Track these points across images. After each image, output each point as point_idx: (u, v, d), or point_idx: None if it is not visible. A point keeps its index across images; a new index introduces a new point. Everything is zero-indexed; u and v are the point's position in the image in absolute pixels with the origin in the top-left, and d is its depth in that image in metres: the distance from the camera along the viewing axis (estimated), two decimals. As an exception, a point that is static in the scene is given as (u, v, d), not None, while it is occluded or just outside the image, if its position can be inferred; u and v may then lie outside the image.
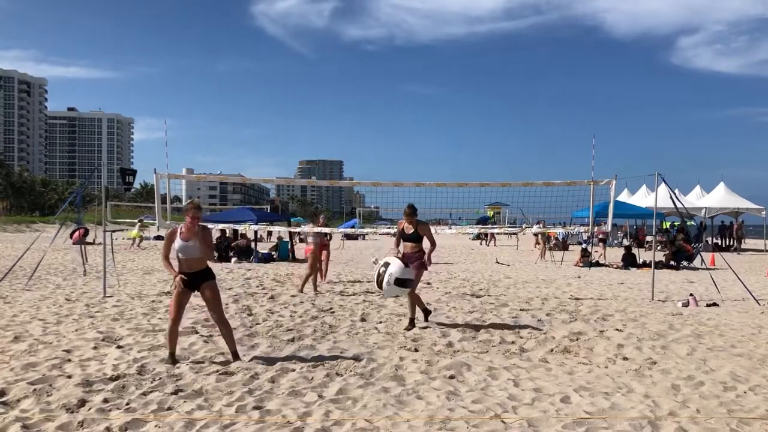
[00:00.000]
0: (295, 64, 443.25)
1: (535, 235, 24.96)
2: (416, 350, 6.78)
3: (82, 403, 4.74)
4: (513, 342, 7.33)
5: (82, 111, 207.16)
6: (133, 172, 12.66)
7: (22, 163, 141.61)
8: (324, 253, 13.09)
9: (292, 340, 7.23)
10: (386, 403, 4.92)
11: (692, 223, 25.82)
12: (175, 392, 5.05)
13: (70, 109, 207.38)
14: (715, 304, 10.69)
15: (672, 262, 19.36)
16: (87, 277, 13.81)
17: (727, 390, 5.38)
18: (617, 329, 8.11)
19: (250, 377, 5.57)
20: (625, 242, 23.71)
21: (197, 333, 7.42)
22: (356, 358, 6.30)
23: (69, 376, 5.38)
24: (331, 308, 9.64)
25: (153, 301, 10.07)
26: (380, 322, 8.48)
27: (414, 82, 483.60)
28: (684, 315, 9.50)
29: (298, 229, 17.96)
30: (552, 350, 6.95)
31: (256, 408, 4.74)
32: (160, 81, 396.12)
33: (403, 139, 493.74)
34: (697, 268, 18.70)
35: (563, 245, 27.98)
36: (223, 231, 21.71)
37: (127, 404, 4.74)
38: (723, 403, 4.98)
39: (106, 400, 4.79)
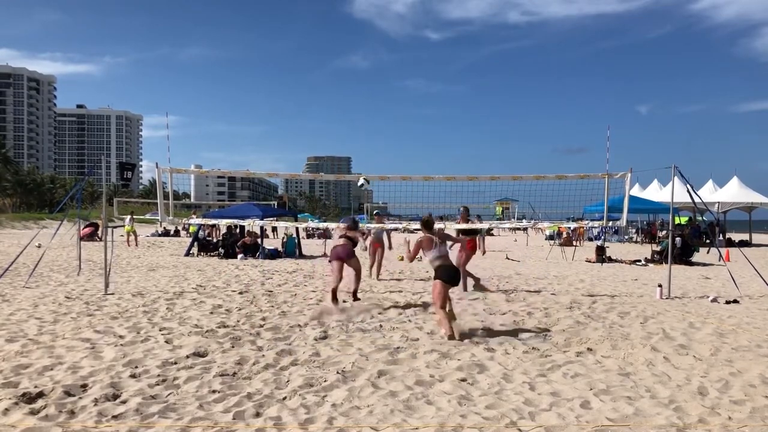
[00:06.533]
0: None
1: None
2: (425, 351, 6.45)
3: (71, 413, 4.46)
4: (526, 342, 6.99)
5: (91, 108, 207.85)
6: (132, 167, 12.41)
7: (32, 160, 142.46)
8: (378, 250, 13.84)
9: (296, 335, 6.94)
10: (394, 408, 4.60)
11: (703, 218, 25.32)
12: (169, 396, 4.77)
13: (79, 106, 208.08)
14: (735, 301, 10.31)
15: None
16: (89, 274, 13.59)
17: (759, 395, 5.03)
18: (635, 328, 7.77)
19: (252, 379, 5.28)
20: (597, 243, 23.45)
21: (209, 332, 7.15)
22: (363, 359, 6.00)
23: (57, 381, 5.10)
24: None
25: (155, 300, 9.81)
26: (393, 327, 8.18)
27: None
28: (703, 313, 9.13)
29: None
30: (567, 350, 6.61)
31: (256, 416, 4.45)
32: (166, 77, 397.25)
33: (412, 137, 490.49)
34: (712, 264, 18.33)
35: (569, 241, 27.53)
36: (229, 227, 21.52)
37: (117, 415, 4.46)
38: (756, 409, 4.63)
39: (96, 404, 4.52)
